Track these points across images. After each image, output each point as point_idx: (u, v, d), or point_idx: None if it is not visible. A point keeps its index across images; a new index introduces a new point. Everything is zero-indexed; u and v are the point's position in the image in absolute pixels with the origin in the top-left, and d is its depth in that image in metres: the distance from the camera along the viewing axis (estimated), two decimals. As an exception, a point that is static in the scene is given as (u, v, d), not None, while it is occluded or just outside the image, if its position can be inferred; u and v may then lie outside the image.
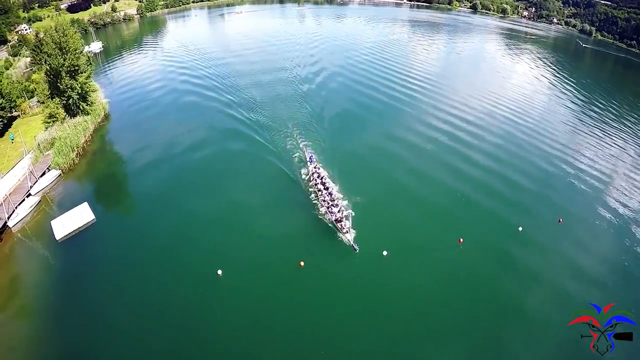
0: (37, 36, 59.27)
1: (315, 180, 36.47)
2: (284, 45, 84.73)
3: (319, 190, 35.13)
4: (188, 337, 23.25)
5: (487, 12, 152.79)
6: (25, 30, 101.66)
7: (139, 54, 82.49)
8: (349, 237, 30.58)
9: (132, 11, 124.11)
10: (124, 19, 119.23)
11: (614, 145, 53.11)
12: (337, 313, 25.29)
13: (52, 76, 43.24)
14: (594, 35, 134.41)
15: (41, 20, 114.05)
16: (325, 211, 33.05)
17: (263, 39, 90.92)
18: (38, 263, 29.60)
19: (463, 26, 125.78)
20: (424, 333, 24.48)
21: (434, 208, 35.17)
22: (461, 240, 31.12)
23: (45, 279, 28.05)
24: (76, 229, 31.78)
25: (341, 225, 31.44)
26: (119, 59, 79.65)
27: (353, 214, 30.97)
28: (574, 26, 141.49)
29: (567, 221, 34.66)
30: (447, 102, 58.78)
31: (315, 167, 38.37)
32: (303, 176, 38.15)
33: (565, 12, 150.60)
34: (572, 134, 54.40)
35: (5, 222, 32.47)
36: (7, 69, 69.29)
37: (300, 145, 43.19)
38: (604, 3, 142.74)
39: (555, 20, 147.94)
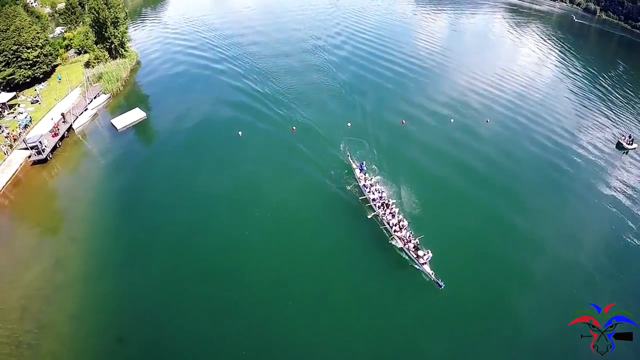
0: (68, 1, 77.55)
1: (372, 194, 34.38)
2: (292, 18, 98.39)
3: (379, 208, 33.10)
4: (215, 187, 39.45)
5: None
6: (32, 3, 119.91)
7: (151, 22, 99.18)
8: (427, 269, 28.06)
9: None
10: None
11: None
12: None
13: (97, 27, 60.77)
14: (598, 14, 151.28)
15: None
16: (393, 236, 30.57)
17: (269, 12, 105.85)
18: (105, 144, 47.66)
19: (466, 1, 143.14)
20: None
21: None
22: (403, 121, 46.78)
23: (111, 151, 45.91)
24: (132, 123, 50.02)
25: (417, 254, 28.76)
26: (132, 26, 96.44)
27: (423, 237, 29.86)
28: (579, 4, 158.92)
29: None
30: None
31: (367, 179, 36.18)
32: (350, 189, 36.65)
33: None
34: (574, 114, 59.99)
35: (71, 125, 49.87)
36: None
37: (344, 149, 41.17)
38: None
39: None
